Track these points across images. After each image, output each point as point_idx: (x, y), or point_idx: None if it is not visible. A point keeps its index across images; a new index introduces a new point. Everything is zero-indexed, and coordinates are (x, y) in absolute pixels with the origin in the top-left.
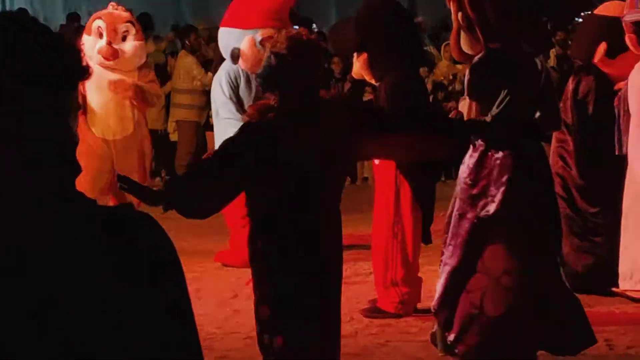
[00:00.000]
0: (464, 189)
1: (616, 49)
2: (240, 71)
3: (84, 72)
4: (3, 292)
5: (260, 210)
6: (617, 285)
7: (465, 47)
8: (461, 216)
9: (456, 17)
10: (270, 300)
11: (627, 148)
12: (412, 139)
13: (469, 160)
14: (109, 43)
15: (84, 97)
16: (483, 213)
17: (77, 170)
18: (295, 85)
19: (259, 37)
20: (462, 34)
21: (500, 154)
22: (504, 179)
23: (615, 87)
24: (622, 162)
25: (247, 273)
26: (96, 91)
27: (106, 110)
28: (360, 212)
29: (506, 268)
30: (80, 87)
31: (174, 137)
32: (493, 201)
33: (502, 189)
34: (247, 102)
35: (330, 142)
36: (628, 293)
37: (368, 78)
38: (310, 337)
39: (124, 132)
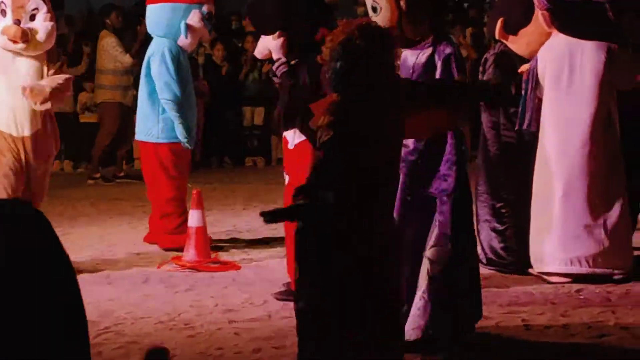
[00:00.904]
0: (412, 171)
1: (517, 24)
2: (179, 49)
3: None
4: None
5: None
6: (532, 267)
7: (409, 33)
8: (410, 197)
9: (396, 4)
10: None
11: (535, 125)
12: (444, 111)
13: (417, 143)
14: (17, 22)
15: None
16: (438, 192)
17: None
18: (374, 77)
19: (205, 10)
20: (404, 20)
21: (448, 135)
22: (455, 158)
23: (519, 70)
24: (528, 140)
25: (159, 256)
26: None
27: (13, 101)
28: (276, 192)
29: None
30: None
31: (83, 118)
32: (445, 180)
33: (455, 167)
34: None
35: (394, 119)
36: (544, 277)
37: (276, 57)
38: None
39: (35, 127)
